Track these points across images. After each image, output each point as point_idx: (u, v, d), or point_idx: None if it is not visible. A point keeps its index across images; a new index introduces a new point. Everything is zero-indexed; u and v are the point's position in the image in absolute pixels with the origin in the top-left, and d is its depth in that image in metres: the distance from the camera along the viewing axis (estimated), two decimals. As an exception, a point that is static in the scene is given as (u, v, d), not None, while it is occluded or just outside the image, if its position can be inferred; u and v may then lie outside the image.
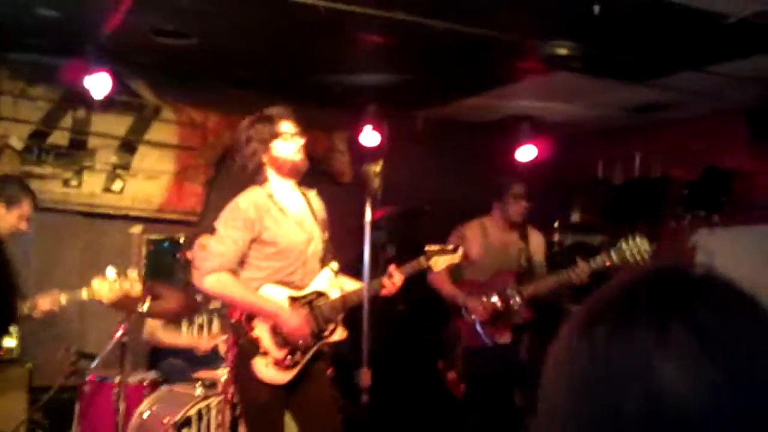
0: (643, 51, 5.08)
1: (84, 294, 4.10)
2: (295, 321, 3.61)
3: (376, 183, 3.53)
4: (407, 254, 4.10)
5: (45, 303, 4.08)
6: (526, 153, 6.61)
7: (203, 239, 5.15)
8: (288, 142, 3.71)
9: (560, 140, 6.65)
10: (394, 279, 3.80)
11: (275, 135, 3.71)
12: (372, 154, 5.97)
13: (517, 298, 4.93)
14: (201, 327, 5.14)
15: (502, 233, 5.21)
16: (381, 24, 4.58)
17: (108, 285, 4.10)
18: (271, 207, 3.68)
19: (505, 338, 4.98)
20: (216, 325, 5.12)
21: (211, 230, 3.75)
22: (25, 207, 4.21)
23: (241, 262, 3.65)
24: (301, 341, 3.64)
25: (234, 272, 3.62)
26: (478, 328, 4.99)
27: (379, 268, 4.19)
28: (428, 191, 6.78)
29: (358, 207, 3.60)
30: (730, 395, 0.72)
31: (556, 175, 6.82)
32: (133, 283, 4.16)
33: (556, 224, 6.99)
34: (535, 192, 5.27)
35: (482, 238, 5.20)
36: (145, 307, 4.28)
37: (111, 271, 4.14)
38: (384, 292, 3.82)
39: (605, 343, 0.77)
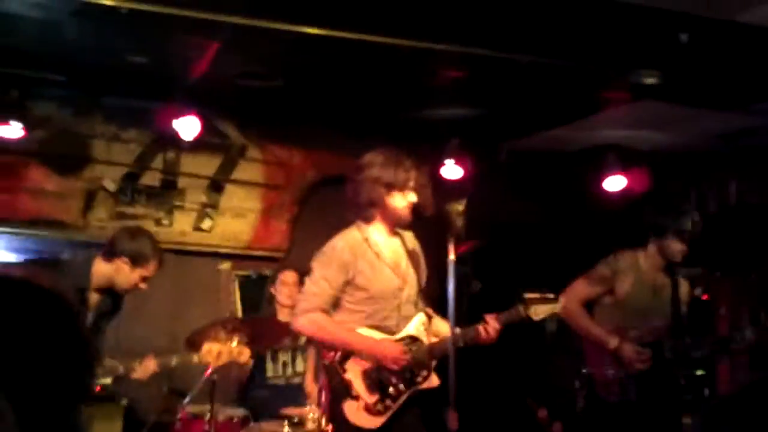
0: (731, 78, 4.92)
1: (195, 359, 4.09)
2: (393, 351, 3.57)
3: (460, 222, 3.50)
4: (493, 289, 4.03)
5: (147, 367, 4.06)
6: (614, 183, 6.45)
7: (285, 275, 5.21)
8: (407, 196, 3.67)
9: (651, 169, 6.46)
10: (490, 328, 3.68)
11: (403, 186, 3.64)
12: (454, 187, 5.93)
13: (671, 355, 4.42)
14: (285, 364, 5.18)
15: (656, 273, 4.62)
16: (463, 59, 4.57)
17: (218, 350, 4.06)
18: (366, 251, 3.65)
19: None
20: (299, 362, 5.15)
21: (306, 270, 3.75)
22: (152, 267, 3.99)
23: (336, 305, 3.65)
24: (394, 387, 3.59)
25: (327, 313, 3.61)
26: (624, 382, 4.47)
27: (464, 304, 4.13)
28: (513, 225, 6.70)
29: (441, 241, 3.57)
30: None
31: (646, 204, 6.63)
32: (243, 350, 4.12)
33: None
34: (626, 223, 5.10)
35: (635, 275, 4.60)
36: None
37: (222, 334, 4.12)
38: (480, 341, 3.70)
39: None
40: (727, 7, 3.97)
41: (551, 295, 3.86)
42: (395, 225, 3.75)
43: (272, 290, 5.35)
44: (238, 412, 4.83)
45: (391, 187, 3.61)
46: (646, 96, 5.23)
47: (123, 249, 3.89)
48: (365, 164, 3.67)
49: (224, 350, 4.04)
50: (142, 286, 4.02)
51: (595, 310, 4.68)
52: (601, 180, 6.46)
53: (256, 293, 6.29)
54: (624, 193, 6.43)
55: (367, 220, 3.69)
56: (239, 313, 6.26)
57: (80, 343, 1.17)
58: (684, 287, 4.71)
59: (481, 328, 3.70)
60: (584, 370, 4.61)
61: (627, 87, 5.07)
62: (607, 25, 4.22)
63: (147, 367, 4.05)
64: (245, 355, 4.12)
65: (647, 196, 6.56)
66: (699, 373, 5.14)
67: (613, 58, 4.68)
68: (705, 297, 5.15)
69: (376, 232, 3.71)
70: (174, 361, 4.09)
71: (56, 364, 1.14)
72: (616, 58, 4.70)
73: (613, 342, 4.45)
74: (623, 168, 6.40)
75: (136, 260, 3.90)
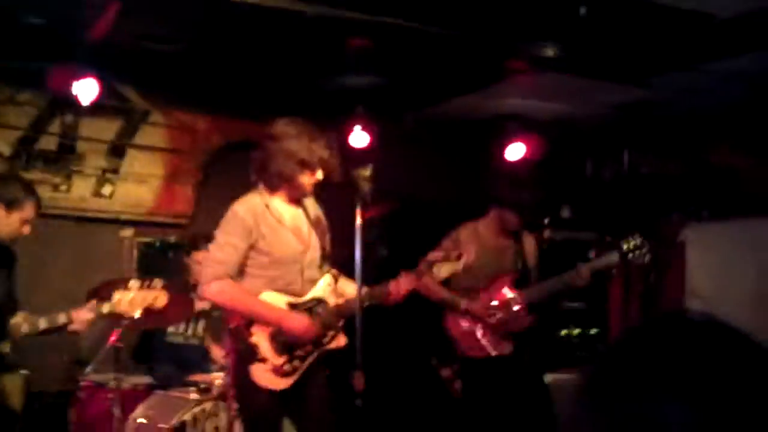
0: (630, 51, 5.11)
1: (105, 309, 3.91)
2: (301, 325, 3.61)
3: (367, 186, 3.55)
4: (400, 254, 4.11)
5: (82, 314, 3.90)
6: (515, 151, 6.63)
7: (198, 255, 5.17)
8: (316, 174, 3.67)
9: (549, 138, 6.67)
10: (402, 285, 3.76)
11: (316, 165, 3.63)
12: (361, 154, 5.98)
13: (518, 305, 4.85)
14: (187, 326, 5.16)
15: (497, 238, 5.07)
16: (368, 27, 4.59)
17: (131, 298, 3.91)
18: (268, 216, 3.66)
19: (507, 349, 4.86)
20: (200, 324, 5.12)
21: (210, 237, 3.73)
22: (28, 210, 3.92)
23: (240, 271, 3.65)
24: (301, 348, 3.64)
25: (234, 279, 3.62)
26: (480, 337, 4.87)
27: (371, 269, 4.19)
28: (419, 191, 6.81)
29: (348, 207, 3.62)
30: None
31: (545, 172, 6.85)
32: (159, 294, 3.98)
33: (546, 221, 7.02)
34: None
35: (477, 242, 5.01)
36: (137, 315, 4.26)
37: (135, 282, 3.94)
38: (389, 299, 3.78)
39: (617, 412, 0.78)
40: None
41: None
42: (298, 197, 3.78)
43: (187, 260, 5.29)
44: (144, 380, 4.79)
45: (303, 164, 3.62)
46: (546, 68, 5.38)
47: None
48: (279, 134, 3.64)
49: (138, 297, 3.90)
50: (25, 230, 3.96)
51: (451, 280, 4.92)
52: (503, 148, 6.63)
53: (160, 260, 6.21)
54: (523, 161, 6.62)
55: (272, 189, 3.70)
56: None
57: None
58: (529, 243, 5.17)
59: (393, 285, 3.76)
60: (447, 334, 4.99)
61: (528, 59, 5.20)
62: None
63: (80, 315, 3.91)
64: (162, 299, 4.02)
65: (545, 164, 6.77)
66: (593, 331, 5.42)
67: (515, 30, 4.79)
68: (610, 265, 5.37)
69: (278, 200, 3.73)
70: (105, 308, 3.91)
71: None
72: (518, 30, 4.81)
73: (462, 303, 4.88)
74: (523, 137, 6.59)
75: (9, 204, 3.87)
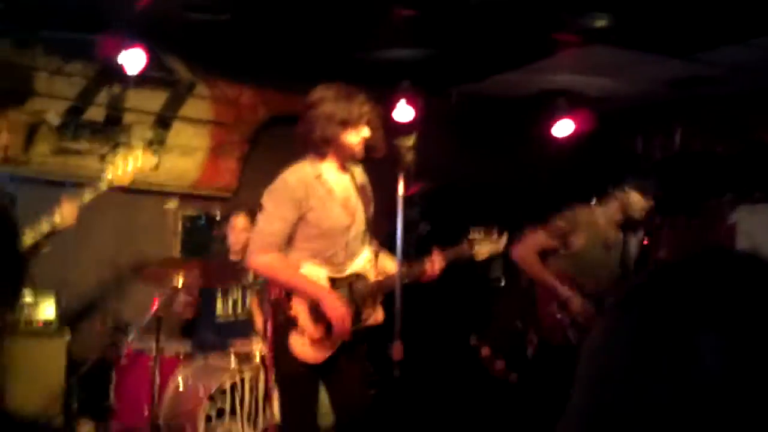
0: (684, 24, 4.96)
1: (103, 186, 3.98)
2: (338, 312, 3.58)
3: (410, 157, 3.49)
4: (441, 231, 4.07)
5: (67, 210, 3.89)
6: (563, 128, 6.52)
7: (236, 220, 5.19)
8: (361, 132, 3.62)
9: (598, 115, 6.54)
10: (435, 263, 3.74)
11: (357, 122, 3.58)
12: (405, 129, 5.92)
13: None
14: (235, 302, 5.17)
15: (610, 230, 4.78)
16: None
17: (119, 168, 3.97)
18: (318, 187, 3.60)
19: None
20: (249, 299, 5.14)
21: (258, 207, 3.71)
22: None
23: (288, 243, 3.63)
24: (340, 327, 3.61)
25: (282, 251, 3.60)
26: (566, 326, 4.69)
27: (412, 245, 4.16)
28: (463, 169, 6.73)
29: (391, 183, 3.57)
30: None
31: (594, 150, 6.73)
32: (143, 156, 4.04)
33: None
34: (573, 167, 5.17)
35: (589, 230, 4.75)
36: (179, 283, 4.30)
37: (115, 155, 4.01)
38: (425, 277, 3.77)
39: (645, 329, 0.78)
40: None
41: (495, 235, 3.95)
42: (347, 160, 3.73)
43: (226, 230, 5.33)
44: (184, 347, 4.84)
45: (345, 123, 3.57)
46: (596, 40, 5.25)
47: None
48: (316, 100, 3.60)
49: (126, 166, 3.96)
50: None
51: (549, 259, 4.81)
52: (550, 125, 6.53)
53: (203, 234, 6.25)
54: (572, 137, 6.51)
55: (320, 156, 3.66)
56: (177, 254, 6.20)
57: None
58: (634, 243, 4.91)
59: (427, 262, 3.74)
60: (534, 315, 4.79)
61: (577, 30, 5.09)
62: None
63: (65, 210, 3.90)
64: (150, 161, 4.06)
65: (595, 142, 6.65)
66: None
67: (564, 0, 4.69)
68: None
69: (328, 167, 3.68)
70: (87, 195, 3.98)
71: None
72: (568, 1, 4.70)
73: (564, 292, 4.64)
74: (571, 113, 6.47)
75: None
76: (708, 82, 6.16)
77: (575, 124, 6.42)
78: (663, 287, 0.80)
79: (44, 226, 3.87)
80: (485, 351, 5.26)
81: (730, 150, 6.41)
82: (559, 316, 4.69)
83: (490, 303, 6.42)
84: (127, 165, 3.99)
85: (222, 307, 5.15)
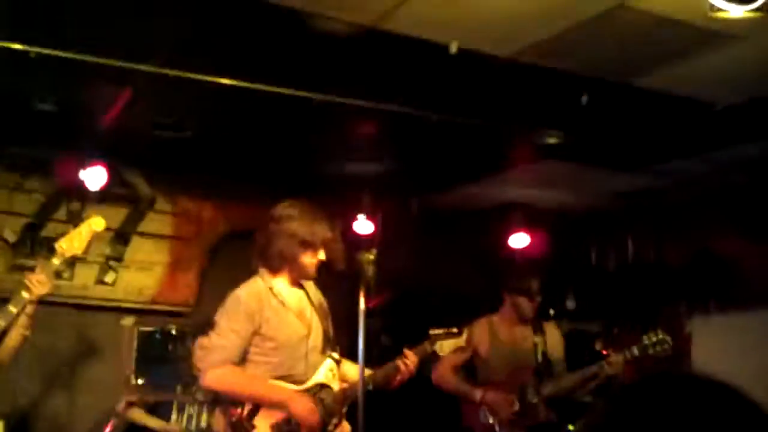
0: (632, 139, 5.17)
1: (56, 261, 3.84)
2: (307, 408, 3.52)
3: (371, 271, 3.51)
4: (403, 343, 4.05)
5: (40, 283, 3.74)
6: (518, 241, 6.63)
7: (202, 340, 5.11)
8: (318, 254, 3.65)
9: (552, 227, 6.68)
10: (409, 362, 3.72)
11: (318, 245, 3.61)
12: (366, 242, 5.98)
13: (535, 398, 4.75)
14: (190, 417, 5.07)
15: (512, 329, 5.04)
16: (372, 114, 4.66)
17: (74, 238, 3.91)
18: (271, 299, 3.61)
19: None
20: (204, 416, 5.04)
21: (211, 324, 3.67)
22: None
23: (242, 359, 3.58)
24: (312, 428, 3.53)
25: (236, 365, 3.54)
26: (497, 429, 4.77)
27: (374, 358, 4.13)
28: (423, 278, 6.77)
29: (351, 295, 3.57)
30: None
31: (549, 262, 6.83)
32: (95, 221, 4.02)
33: (551, 312, 6.96)
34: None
35: (490, 336, 5.02)
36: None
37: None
38: (399, 378, 3.73)
39: None
40: (628, 72, 4.20)
41: (455, 330, 3.98)
42: (300, 279, 3.75)
43: (191, 349, 5.26)
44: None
45: (305, 245, 3.60)
46: (549, 155, 5.44)
47: None
48: (280, 216, 3.64)
49: (80, 235, 3.94)
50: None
51: (477, 376, 5.02)
52: (507, 237, 6.64)
53: (160, 350, 6.12)
54: (528, 250, 6.62)
55: (273, 271, 3.67)
56: (133, 371, 6.07)
57: None
58: (553, 334, 5.09)
59: (400, 362, 3.71)
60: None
61: (532, 146, 5.27)
62: (513, 86, 4.40)
63: (38, 278, 3.76)
64: (98, 221, 4.05)
65: (549, 253, 6.76)
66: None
67: (518, 117, 4.87)
68: (605, 353, 5.35)
69: (281, 282, 3.70)
70: (55, 260, 3.85)
71: None
72: (521, 118, 4.89)
73: (478, 394, 4.82)
74: (527, 226, 6.61)
75: None
76: (655, 193, 6.37)
77: (531, 237, 6.55)
78: (624, 415, 0.88)
79: (11, 310, 3.70)
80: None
81: (681, 259, 6.56)
82: (486, 421, 4.81)
83: (453, 411, 6.33)
84: (80, 235, 3.95)
85: (175, 419, 5.06)
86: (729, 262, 6.22)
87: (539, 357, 4.93)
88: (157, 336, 6.14)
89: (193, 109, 4.83)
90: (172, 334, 6.04)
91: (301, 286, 3.77)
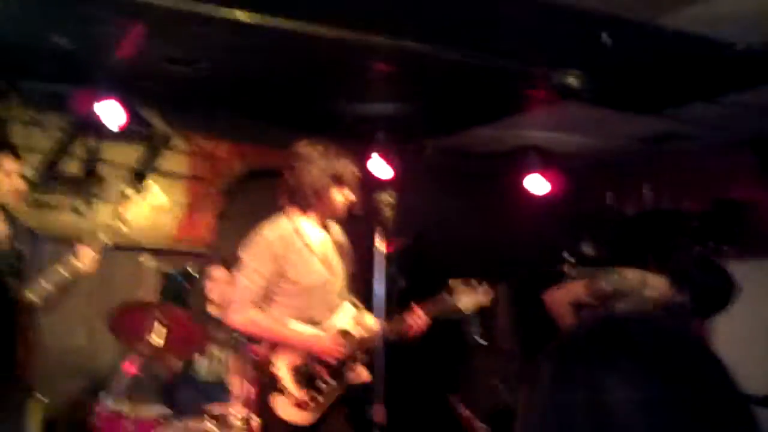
0: (653, 82, 5.08)
1: (124, 228, 3.80)
2: (333, 344, 3.54)
3: (389, 213, 3.50)
4: (419, 286, 4.04)
5: (87, 252, 3.75)
6: (535, 184, 6.59)
7: (214, 271, 5.11)
8: (347, 193, 3.65)
9: (570, 171, 6.62)
10: (417, 318, 3.69)
11: (347, 182, 3.63)
12: (381, 183, 5.95)
13: None
14: (219, 360, 5.10)
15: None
16: (389, 52, 4.59)
17: (136, 207, 3.82)
18: (296, 242, 3.60)
19: None
20: (227, 357, 5.08)
21: (234, 261, 3.67)
22: (7, 163, 3.74)
23: (267, 299, 3.58)
24: (324, 381, 3.55)
25: (260, 307, 3.55)
26: None
27: (392, 302, 4.14)
28: (438, 221, 6.75)
29: (366, 238, 3.56)
30: (662, 410, 0.92)
31: (566, 206, 6.79)
32: (157, 192, 3.88)
33: (566, 255, 6.94)
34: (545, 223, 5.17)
35: (637, 297, 4.56)
36: (156, 338, 4.20)
37: (128, 191, 3.83)
38: (410, 333, 3.71)
39: (570, 375, 0.98)
40: (649, 11, 4.09)
41: (475, 282, 3.87)
42: (328, 218, 3.73)
43: (204, 284, 5.27)
44: (160, 410, 4.72)
45: (336, 179, 3.59)
46: (568, 97, 5.34)
47: None
48: (307, 153, 3.62)
49: (143, 206, 3.87)
50: (13, 185, 3.80)
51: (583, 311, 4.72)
52: (522, 180, 6.60)
53: (181, 290, 6.16)
54: (543, 194, 6.58)
55: (303, 209, 3.65)
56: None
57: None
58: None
59: (409, 318, 3.69)
60: None
61: (550, 87, 5.18)
62: (532, 25, 4.30)
63: (86, 256, 3.78)
64: (162, 195, 3.95)
65: (566, 197, 6.72)
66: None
67: (537, 57, 4.78)
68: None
69: (307, 222, 3.67)
70: (104, 237, 3.83)
71: None
72: (541, 58, 4.80)
73: None
74: (543, 169, 6.55)
75: None
76: (676, 138, 6.28)
77: (547, 180, 6.50)
78: (575, 343, 1.02)
79: (57, 276, 3.72)
80: (465, 411, 5.19)
81: (699, 206, 6.51)
82: None
83: (469, 362, 6.39)
84: (143, 203, 3.87)
85: (205, 366, 5.08)
86: (748, 209, 6.16)
87: None
88: (178, 277, 6.17)
89: (208, 45, 4.77)
90: (191, 274, 6.07)
91: (326, 228, 3.76)
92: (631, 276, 4.59)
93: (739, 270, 6.21)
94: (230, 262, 5.04)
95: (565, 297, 4.66)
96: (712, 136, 6.18)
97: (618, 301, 4.54)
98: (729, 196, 6.26)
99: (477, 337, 6.50)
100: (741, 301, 6.13)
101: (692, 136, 6.21)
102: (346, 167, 3.62)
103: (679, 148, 6.59)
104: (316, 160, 3.58)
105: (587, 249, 7.04)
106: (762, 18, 4.04)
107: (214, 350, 5.04)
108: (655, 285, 4.55)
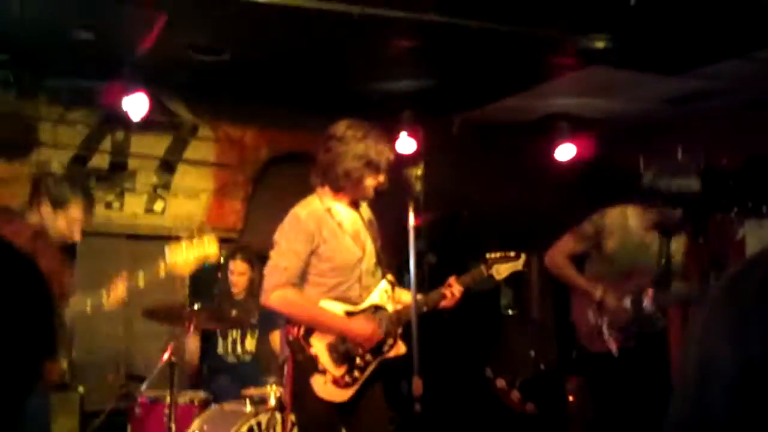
0: (682, 40, 4.98)
1: (162, 268, 3.75)
2: (366, 329, 3.55)
3: (418, 186, 3.47)
4: (449, 260, 4.03)
5: (117, 290, 3.72)
6: (565, 152, 6.51)
7: (235, 264, 5.31)
8: (379, 178, 3.63)
9: (600, 137, 6.54)
10: (454, 290, 3.71)
11: (384, 168, 3.60)
12: (408, 160, 5.92)
13: (651, 307, 4.31)
14: (234, 341, 5.23)
15: (644, 232, 4.43)
16: (412, 27, 4.55)
17: (183, 253, 3.78)
18: (329, 220, 3.60)
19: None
20: (249, 340, 5.22)
21: (259, 251, 3.68)
22: (74, 211, 3.68)
23: (302, 278, 3.59)
24: (361, 358, 3.57)
25: (297, 287, 3.56)
26: (605, 331, 4.40)
27: (423, 277, 4.13)
28: (466, 196, 6.72)
29: (394, 214, 3.55)
30: None
31: (596, 171, 6.72)
32: (209, 242, 3.83)
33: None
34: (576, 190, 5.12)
35: (622, 230, 4.46)
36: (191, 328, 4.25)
37: (185, 237, 3.80)
38: (444, 303, 3.73)
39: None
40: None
41: (512, 254, 3.88)
42: (359, 199, 3.73)
43: (226, 273, 5.37)
44: (199, 395, 4.78)
45: (372, 166, 3.57)
46: (595, 61, 5.27)
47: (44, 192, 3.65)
48: (346, 136, 3.58)
49: (190, 252, 3.77)
50: (75, 236, 3.75)
51: (585, 263, 4.65)
52: (553, 149, 6.53)
53: (209, 276, 6.20)
54: (574, 161, 6.50)
55: (334, 190, 3.64)
56: (186, 299, 6.18)
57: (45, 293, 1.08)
58: (679, 244, 4.55)
59: (445, 290, 3.71)
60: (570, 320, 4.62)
61: (577, 52, 5.10)
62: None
63: (117, 290, 3.75)
64: (214, 246, 3.85)
65: (597, 163, 6.64)
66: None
67: (562, 22, 4.71)
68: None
69: (339, 203, 3.68)
70: (141, 278, 3.77)
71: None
72: (566, 23, 4.73)
73: (598, 292, 4.40)
74: (573, 137, 6.48)
75: (55, 204, 3.64)
76: (706, 96, 6.17)
77: (577, 148, 6.42)
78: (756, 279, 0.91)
79: (87, 303, 3.72)
80: (500, 383, 5.17)
81: (733, 165, 6.39)
82: (595, 321, 4.45)
83: (503, 334, 6.37)
84: (190, 251, 3.84)
85: (222, 345, 5.24)
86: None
87: (663, 261, 4.45)
88: (206, 265, 6.20)
89: (230, 32, 4.76)
90: (219, 261, 6.11)
91: (356, 207, 3.76)
92: (610, 211, 4.49)
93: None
94: (251, 254, 5.14)
95: (559, 253, 4.58)
96: (741, 93, 6.06)
97: (606, 239, 4.44)
98: (763, 154, 6.15)
99: (508, 308, 6.49)
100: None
101: (722, 94, 6.09)
102: (382, 154, 3.58)
103: (709, 107, 6.47)
104: (352, 145, 3.55)
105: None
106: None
107: (233, 334, 5.16)
108: (635, 214, 4.45)
